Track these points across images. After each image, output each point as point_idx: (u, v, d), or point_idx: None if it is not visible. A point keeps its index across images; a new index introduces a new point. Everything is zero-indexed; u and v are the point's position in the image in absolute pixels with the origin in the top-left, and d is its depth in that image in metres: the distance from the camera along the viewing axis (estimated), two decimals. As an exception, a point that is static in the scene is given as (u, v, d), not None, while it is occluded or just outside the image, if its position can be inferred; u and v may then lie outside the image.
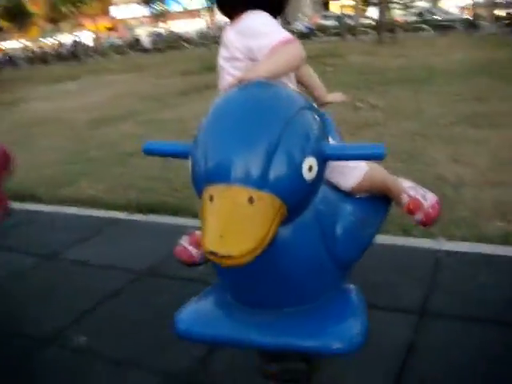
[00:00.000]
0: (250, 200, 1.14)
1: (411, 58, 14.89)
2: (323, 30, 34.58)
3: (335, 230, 1.57)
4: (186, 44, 36.38)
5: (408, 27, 30.13)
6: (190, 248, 2.07)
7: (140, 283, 3.03)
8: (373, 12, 50.51)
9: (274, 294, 1.49)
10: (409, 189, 1.96)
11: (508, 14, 32.38)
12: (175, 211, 3.96)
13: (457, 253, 2.99)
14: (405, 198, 1.93)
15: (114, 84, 14.19)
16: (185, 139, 5.16)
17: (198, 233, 2.06)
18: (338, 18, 41.35)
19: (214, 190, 1.17)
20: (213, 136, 1.24)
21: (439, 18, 35.07)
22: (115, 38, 47.57)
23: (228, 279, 1.58)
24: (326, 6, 62.10)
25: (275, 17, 1.71)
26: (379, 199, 1.84)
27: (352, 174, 1.67)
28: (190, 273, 2.61)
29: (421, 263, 2.87)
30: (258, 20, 1.66)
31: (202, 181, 1.22)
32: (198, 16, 56.86)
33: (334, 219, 1.58)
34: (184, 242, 2.11)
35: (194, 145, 1.29)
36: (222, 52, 1.75)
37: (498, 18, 31.45)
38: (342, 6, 37.74)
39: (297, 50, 1.58)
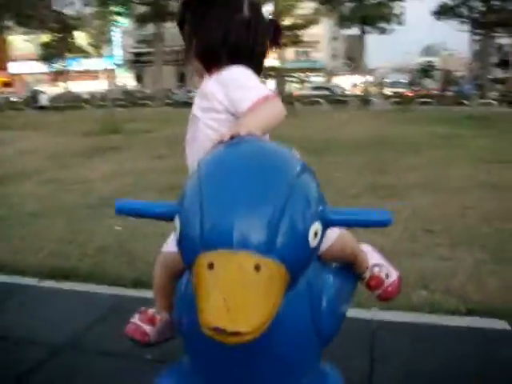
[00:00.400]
0: (257, 267, 1.02)
1: (312, 130, 15.44)
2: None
3: (321, 301, 1.49)
4: (85, 104, 35.92)
5: (305, 101, 31.44)
6: (144, 326, 1.87)
7: (59, 358, 2.73)
8: (269, 85, 52.85)
9: (256, 373, 1.36)
10: (374, 266, 1.91)
11: (395, 92, 34.89)
12: (89, 277, 3.71)
13: (391, 323, 2.99)
14: (367, 274, 1.89)
15: (13, 141, 13.58)
16: (92, 200, 4.98)
17: (151, 310, 1.89)
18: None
19: (214, 256, 1.04)
20: (210, 196, 1.11)
21: (335, 94, 37.04)
22: (11, 94, 46.20)
23: (205, 357, 1.43)
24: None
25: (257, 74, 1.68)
26: (350, 270, 1.77)
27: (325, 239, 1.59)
28: (113, 346, 2.41)
29: (358, 334, 2.83)
30: (242, 73, 1.62)
31: (196, 246, 1.08)
32: (99, 77, 56.63)
33: (320, 289, 1.50)
34: (136, 319, 1.91)
35: (183, 205, 1.17)
36: (200, 102, 1.68)
37: (386, 96, 33.65)
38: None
39: (280, 106, 1.55)
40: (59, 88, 47.04)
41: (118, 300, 3.30)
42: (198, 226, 1.08)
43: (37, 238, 4.69)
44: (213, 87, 1.63)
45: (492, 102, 33.00)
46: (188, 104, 20.25)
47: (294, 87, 24.35)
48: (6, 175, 8.15)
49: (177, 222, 1.16)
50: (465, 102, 27.47)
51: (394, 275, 1.93)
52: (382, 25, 44.85)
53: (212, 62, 1.70)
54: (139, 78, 68.51)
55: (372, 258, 1.93)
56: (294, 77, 25.61)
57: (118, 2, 40.56)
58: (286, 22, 25.94)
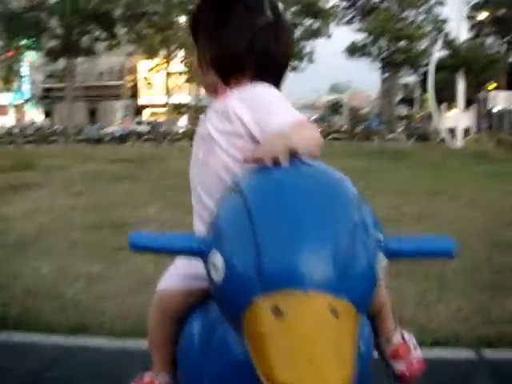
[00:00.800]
0: (333, 312, 0.87)
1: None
2: (137, 135, 34.94)
3: (363, 347, 1.31)
4: (-9, 140, 34.43)
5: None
6: None
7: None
8: (182, 121, 52.93)
9: None
10: (404, 332, 1.73)
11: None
12: (21, 325, 3.38)
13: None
14: (396, 339, 1.69)
15: None
16: (13, 240, 4.61)
17: (147, 376, 1.61)
18: (152, 123, 42.52)
19: (281, 298, 0.87)
20: (269, 227, 0.93)
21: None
22: None
23: None
24: (137, 111, 63.38)
25: None
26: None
27: None
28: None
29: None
30: (273, 95, 1.41)
31: (251, 287, 0.90)
32: (7, 112, 54.64)
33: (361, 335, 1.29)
34: None
35: (223, 238, 0.98)
36: (218, 123, 1.42)
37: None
38: (154, 113, 38.64)
39: (319, 134, 1.34)
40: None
41: (58, 350, 3.02)
42: (254, 263, 0.91)
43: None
44: (238, 108, 1.38)
45: (399, 137, 34.48)
46: (100, 140, 20.08)
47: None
48: None
49: (216, 259, 0.97)
50: (374, 137, 28.42)
51: (419, 352, 1.72)
52: (294, 63, 46.04)
53: (233, 73, 1.47)
54: (48, 114, 66.72)
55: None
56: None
57: (28, 36, 39.54)
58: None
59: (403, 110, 65.42)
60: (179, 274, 1.50)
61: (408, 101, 62.01)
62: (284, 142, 1.11)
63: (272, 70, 1.50)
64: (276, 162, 1.05)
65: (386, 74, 38.33)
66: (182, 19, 41.84)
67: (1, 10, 41.93)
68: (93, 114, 65.44)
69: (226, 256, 0.95)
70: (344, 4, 51.64)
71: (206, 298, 1.32)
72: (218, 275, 0.96)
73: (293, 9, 44.80)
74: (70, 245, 5.41)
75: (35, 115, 61.67)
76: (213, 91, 1.55)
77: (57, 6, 41.21)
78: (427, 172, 13.10)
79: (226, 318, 1.04)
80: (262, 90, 1.42)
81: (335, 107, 77.51)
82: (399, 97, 59.70)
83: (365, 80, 62.52)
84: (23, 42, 38.06)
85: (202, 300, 1.37)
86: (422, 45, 34.92)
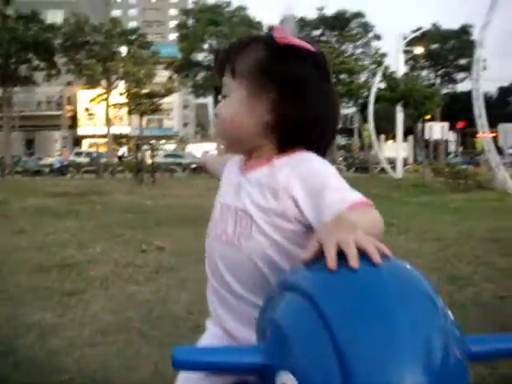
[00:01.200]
0: None
1: (175, 198, 15.30)
2: (77, 166, 34.24)
3: None
4: None
5: (160, 168, 31.38)
6: None
7: None
8: (121, 151, 52.30)
9: None
10: None
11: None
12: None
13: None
14: None
15: None
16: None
17: None
18: (91, 154, 41.80)
19: None
20: (356, 345, 0.77)
21: (188, 161, 37.48)
22: None
23: None
24: (77, 142, 62.26)
25: None
26: None
27: None
28: None
29: None
30: (329, 171, 1.20)
31: None
32: None
33: None
34: None
35: (291, 355, 0.81)
36: (260, 197, 1.22)
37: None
38: (94, 144, 38.01)
39: (380, 216, 1.13)
40: None
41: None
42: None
43: None
44: (290, 184, 1.18)
45: (339, 167, 35.03)
46: (39, 172, 19.46)
47: (147, 155, 24.08)
48: None
49: (288, 380, 0.81)
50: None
51: None
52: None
53: (298, 140, 1.24)
54: (-17, 144, 64.74)
55: None
56: (148, 144, 25.35)
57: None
58: (146, 90, 25.92)
59: (342, 140, 66.87)
60: (193, 379, 1.28)
61: (347, 131, 63.37)
62: (351, 229, 0.91)
63: (328, 140, 1.33)
64: (341, 254, 0.86)
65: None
66: (124, 50, 41.71)
67: None
68: (30, 145, 63.95)
69: (302, 380, 0.79)
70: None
71: None
72: None
73: (234, 40, 45.29)
74: (17, 290, 5.12)
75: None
76: (249, 153, 1.31)
77: (-6, 34, 40.36)
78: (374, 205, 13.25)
79: None
80: (319, 166, 1.21)
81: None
82: (338, 127, 60.88)
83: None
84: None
85: None
86: (362, 78, 35.85)
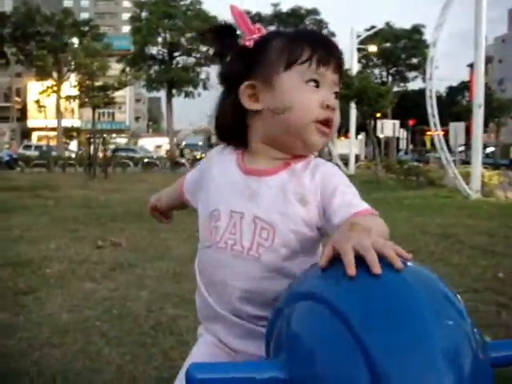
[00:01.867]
0: None
1: (129, 193, 15.12)
2: (26, 160, 33.39)
3: None
4: None
5: (112, 162, 30.97)
6: None
7: None
8: (73, 145, 51.42)
9: None
10: None
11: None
12: None
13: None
14: None
15: None
16: None
17: None
18: (41, 148, 40.87)
19: None
20: (390, 357, 0.72)
21: (141, 155, 37.14)
22: None
23: None
24: (25, 135, 60.83)
25: None
26: None
27: None
28: None
29: None
30: (343, 177, 1.22)
31: None
32: None
33: None
34: None
35: (317, 370, 0.77)
36: (281, 204, 1.18)
37: (195, 159, 34.52)
38: (44, 137, 37.22)
39: (384, 223, 1.14)
40: None
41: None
42: None
43: None
44: (313, 186, 1.18)
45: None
46: (11, 166, 18.81)
47: (99, 149, 23.71)
48: None
49: None
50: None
51: None
52: (189, 88, 46.12)
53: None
54: None
55: None
56: (99, 138, 24.96)
57: None
58: (99, 82, 25.49)
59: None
60: None
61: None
62: (367, 234, 0.89)
63: None
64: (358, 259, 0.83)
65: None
66: (76, 41, 40.89)
67: None
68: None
69: None
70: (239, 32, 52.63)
71: None
72: None
73: (188, 34, 44.98)
74: (-31, 289, 4.95)
75: None
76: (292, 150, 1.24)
77: None
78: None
79: None
80: (333, 171, 1.23)
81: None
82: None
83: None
84: None
85: None
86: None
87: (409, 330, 0.75)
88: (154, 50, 47.14)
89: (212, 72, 48.44)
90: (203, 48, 45.68)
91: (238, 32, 1.26)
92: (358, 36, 33.29)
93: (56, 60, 35.14)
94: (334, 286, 0.85)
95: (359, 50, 38.79)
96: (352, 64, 29.30)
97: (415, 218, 10.34)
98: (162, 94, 51.62)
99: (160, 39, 45.95)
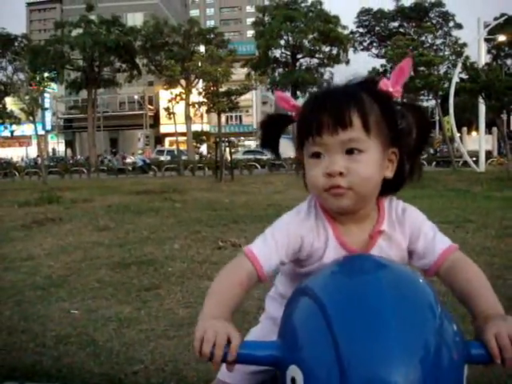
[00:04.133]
0: None
1: (254, 195, 15.46)
2: (158, 164, 35.14)
3: None
4: (16, 172, 34.89)
5: (241, 165, 31.72)
6: None
7: None
8: (203, 149, 53.33)
9: None
10: None
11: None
12: (54, 375, 3.32)
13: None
14: None
15: None
16: (41, 280, 4.54)
17: None
18: (173, 152, 42.77)
19: None
20: (355, 344, 0.88)
21: (268, 157, 37.58)
22: None
23: None
24: (158, 140, 63.95)
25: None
26: None
27: None
28: None
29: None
30: (419, 214, 1.39)
31: None
32: (28, 143, 55.47)
33: None
34: None
35: (299, 349, 0.94)
36: (388, 250, 1.35)
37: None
38: (175, 142, 38.92)
39: (473, 263, 1.33)
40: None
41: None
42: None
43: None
44: (402, 235, 1.36)
45: (421, 161, 34.11)
46: (123, 170, 20.14)
47: (227, 152, 24.54)
48: None
49: (295, 373, 0.92)
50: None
51: None
52: (313, 89, 46.26)
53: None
54: (70, 144, 67.59)
55: None
56: (227, 141, 25.71)
57: (50, 69, 40.29)
58: (223, 88, 26.38)
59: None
60: (240, 371, 1.38)
61: (428, 124, 61.77)
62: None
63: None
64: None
65: (405, 100, 38.17)
66: (202, 49, 42.43)
67: (25, 44, 42.93)
68: (114, 144, 66.13)
69: (306, 373, 0.91)
70: (361, 30, 52.06)
71: None
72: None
73: (311, 36, 45.15)
74: (99, 285, 5.40)
75: (57, 146, 62.53)
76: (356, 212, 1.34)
77: (78, 39, 42.06)
78: (451, 199, 12.95)
79: None
80: (418, 215, 1.38)
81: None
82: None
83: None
84: (46, 74, 38.68)
85: None
86: (442, 69, 34.87)
87: (374, 326, 0.89)
88: (277, 53, 47.83)
89: (335, 72, 48.43)
90: (326, 48, 45.67)
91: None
92: (487, 25, 31.74)
93: (183, 68, 36.67)
94: (323, 284, 1.03)
95: (488, 40, 37.00)
96: (479, 56, 28.02)
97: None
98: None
99: (283, 42, 46.53)
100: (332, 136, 1.22)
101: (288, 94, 1.42)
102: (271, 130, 1.42)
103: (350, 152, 1.22)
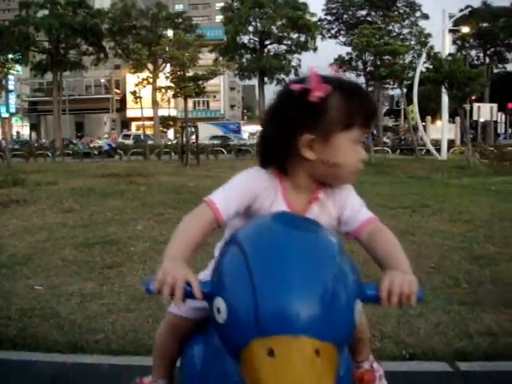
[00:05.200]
0: (317, 352, 1.03)
1: (218, 179, 15.43)
2: (124, 148, 34.96)
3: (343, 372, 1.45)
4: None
5: (207, 150, 31.74)
6: None
7: None
8: (171, 134, 53.08)
9: None
10: (373, 362, 1.94)
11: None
12: (19, 344, 3.51)
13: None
14: (366, 365, 1.90)
15: None
16: (5, 259, 4.66)
17: (146, 380, 1.82)
18: (139, 137, 42.55)
19: (275, 342, 1.03)
20: (265, 279, 1.10)
21: (235, 143, 37.70)
22: None
23: None
24: (125, 125, 63.41)
25: None
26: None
27: None
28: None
29: None
30: (353, 192, 1.67)
31: (249, 331, 1.07)
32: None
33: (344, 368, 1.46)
34: None
35: (226, 286, 1.16)
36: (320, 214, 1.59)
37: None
38: (142, 126, 38.71)
39: (389, 231, 1.59)
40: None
41: (59, 368, 3.15)
42: (252, 311, 1.08)
43: None
44: (333, 211, 1.63)
45: (386, 149, 34.73)
46: (88, 154, 19.96)
47: (192, 138, 24.59)
48: None
49: (220, 304, 1.14)
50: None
51: (383, 381, 1.95)
52: (280, 76, 46.44)
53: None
54: (34, 127, 66.56)
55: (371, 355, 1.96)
56: (192, 126, 25.73)
57: (15, 50, 39.59)
58: (190, 72, 26.33)
59: (389, 122, 66.01)
60: (186, 306, 1.59)
61: (394, 112, 62.60)
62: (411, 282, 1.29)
63: None
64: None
65: (372, 88, 38.84)
66: (169, 33, 42.16)
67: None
68: (80, 127, 65.28)
69: (228, 303, 1.13)
70: (329, 18, 52.32)
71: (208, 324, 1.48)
72: (221, 318, 1.14)
73: (279, 22, 45.23)
74: (63, 263, 5.53)
75: (21, 129, 61.54)
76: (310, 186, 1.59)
77: (44, 20, 41.36)
78: (411, 186, 13.32)
79: (226, 350, 1.20)
80: (350, 191, 1.67)
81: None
82: (385, 109, 60.23)
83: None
84: (10, 56, 38.02)
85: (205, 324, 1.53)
86: (407, 59, 35.37)
87: (279, 262, 1.13)
88: (245, 39, 47.83)
89: (303, 59, 48.61)
90: (294, 35, 45.80)
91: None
92: (452, 16, 32.29)
93: (151, 53, 36.45)
94: (245, 232, 1.27)
95: (454, 31, 37.64)
96: (443, 47, 28.52)
97: (499, 203, 10.14)
98: (255, 81, 52.29)
99: (251, 28, 46.53)
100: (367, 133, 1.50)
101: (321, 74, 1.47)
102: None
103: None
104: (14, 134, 57.99)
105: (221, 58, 44.16)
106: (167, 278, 1.22)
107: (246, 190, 1.52)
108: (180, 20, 46.12)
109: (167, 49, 29.66)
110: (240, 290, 1.12)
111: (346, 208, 1.60)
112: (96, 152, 34.49)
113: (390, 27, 47.55)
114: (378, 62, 31.83)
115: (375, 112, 1.54)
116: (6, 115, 45.59)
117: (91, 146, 38.08)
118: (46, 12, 42.40)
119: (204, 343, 1.50)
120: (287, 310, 1.06)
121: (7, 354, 3.38)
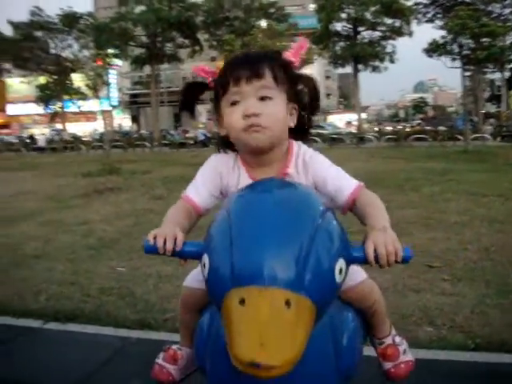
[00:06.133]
0: (287, 303, 1.07)
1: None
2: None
3: (342, 338, 1.51)
4: (82, 145, 36.13)
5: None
6: (168, 366, 1.89)
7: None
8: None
9: None
10: (395, 336, 1.91)
11: (393, 129, 35.16)
12: (93, 319, 3.70)
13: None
14: (388, 340, 1.88)
15: (11, 182, 13.70)
16: (93, 241, 4.92)
17: (173, 348, 1.93)
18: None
19: (246, 292, 1.08)
20: (241, 235, 1.18)
21: (329, 132, 37.42)
22: (7, 135, 46.53)
23: None
24: (220, 115, 64.43)
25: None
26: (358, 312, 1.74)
27: (352, 276, 1.56)
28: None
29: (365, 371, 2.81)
30: (325, 159, 1.66)
31: (226, 283, 1.13)
32: (94, 118, 57.03)
33: (341, 326, 1.54)
34: (160, 360, 1.92)
35: (211, 243, 1.24)
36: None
37: (381, 133, 33.89)
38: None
39: (375, 196, 1.59)
40: (57, 129, 47.41)
41: (124, 342, 3.30)
42: (229, 264, 1.15)
43: (38, 280, 4.69)
44: (301, 175, 1.63)
45: (486, 136, 33.29)
46: (184, 144, 20.54)
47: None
48: (6, 216, 8.17)
49: (205, 259, 1.22)
50: (459, 137, 27.61)
51: (410, 355, 1.90)
52: (375, 63, 45.51)
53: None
54: (135, 119, 69.03)
55: (394, 330, 1.94)
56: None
57: (115, 45, 41.19)
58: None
59: (491, 108, 63.16)
60: (194, 278, 1.77)
61: (495, 98, 59.82)
62: (394, 240, 1.28)
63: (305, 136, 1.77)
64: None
65: (469, 72, 37.18)
66: (262, 23, 42.36)
67: (91, 21, 44.01)
68: (177, 119, 67.03)
69: (211, 258, 1.21)
70: (425, 1, 50.58)
71: None
72: (205, 273, 1.23)
73: (373, 8, 44.31)
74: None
75: (122, 121, 64.05)
76: (268, 152, 1.59)
77: (141, 16, 42.68)
78: (507, 173, 12.71)
79: (213, 304, 1.28)
80: (324, 161, 1.65)
81: (420, 106, 75.93)
82: (487, 94, 57.68)
83: (450, 78, 60.75)
84: (110, 50, 39.63)
85: None
86: (508, 40, 33.61)
87: (257, 223, 1.19)
88: (338, 27, 47.18)
89: (398, 45, 47.28)
90: (388, 21, 44.73)
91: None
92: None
93: (243, 43, 36.72)
94: (234, 198, 1.36)
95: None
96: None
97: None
98: (348, 70, 51.59)
99: (344, 15, 45.83)
100: (248, 84, 1.50)
101: (204, 65, 1.69)
102: (189, 96, 1.72)
103: (262, 99, 1.51)
104: (116, 125, 60.37)
105: (314, 47, 43.80)
106: (159, 232, 1.36)
107: (212, 174, 1.66)
108: (273, 10, 46.16)
109: (259, 39, 29.81)
110: (220, 245, 1.20)
111: (327, 183, 1.58)
112: (191, 142, 35.27)
113: (490, 8, 45.21)
114: (475, 45, 30.38)
115: (239, 61, 1.56)
116: (109, 108, 47.66)
117: (186, 136, 38.90)
118: (143, 8, 43.72)
119: (210, 311, 1.59)
120: (259, 262, 1.11)
121: (82, 327, 3.58)
